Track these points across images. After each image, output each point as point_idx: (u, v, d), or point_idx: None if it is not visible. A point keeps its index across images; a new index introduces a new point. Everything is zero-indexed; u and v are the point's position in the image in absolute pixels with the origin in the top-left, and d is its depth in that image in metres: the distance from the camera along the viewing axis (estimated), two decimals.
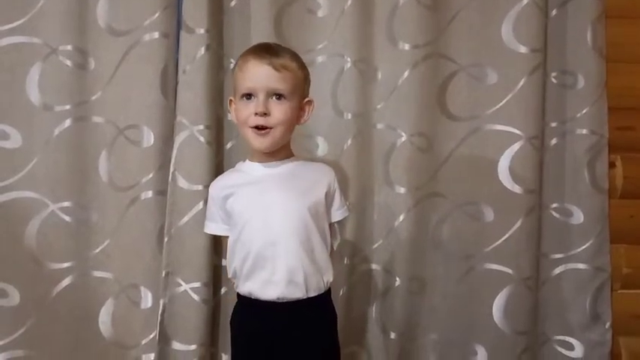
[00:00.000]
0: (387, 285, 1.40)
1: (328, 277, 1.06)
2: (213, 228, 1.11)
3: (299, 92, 1.04)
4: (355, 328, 1.40)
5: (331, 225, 1.10)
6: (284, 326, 1.02)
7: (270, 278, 1.01)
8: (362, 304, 1.41)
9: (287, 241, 1.00)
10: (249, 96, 1.00)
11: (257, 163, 1.06)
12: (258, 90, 1.00)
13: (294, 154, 1.09)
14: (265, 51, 1.03)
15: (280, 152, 1.06)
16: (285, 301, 1.01)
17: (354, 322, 1.40)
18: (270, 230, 1.01)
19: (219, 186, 1.09)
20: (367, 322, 1.41)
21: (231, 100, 1.08)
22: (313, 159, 1.34)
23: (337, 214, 1.11)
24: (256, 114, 0.99)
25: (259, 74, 1.00)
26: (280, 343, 1.02)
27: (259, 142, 1.01)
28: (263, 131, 1.00)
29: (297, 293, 1.01)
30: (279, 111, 1.00)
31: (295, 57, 1.05)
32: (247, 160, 1.09)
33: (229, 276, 1.10)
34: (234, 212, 1.04)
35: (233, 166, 1.30)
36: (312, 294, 1.03)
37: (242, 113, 1.01)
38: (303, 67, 1.05)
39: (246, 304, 1.05)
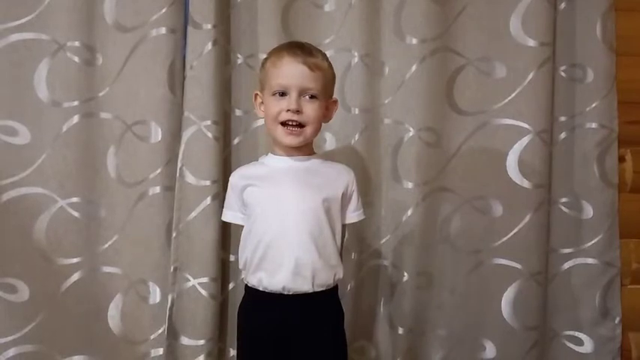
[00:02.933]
0: (395, 280, 1.39)
1: (337, 274, 1.07)
2: (230, 216, 1.13)
3: (328, 92, 1.08)
4: (363, 323, 1.40)
5: (344, 226, 1.11)
6: (290, 319, 1.02)
7: (278, 268, 1.02)
8: (370, 299, 1.40)
9: (298, 234, 1.02)
10: (281, 93, 1.03)
11: (279, 157, 1.09)
12: (292, 88, 1.02)
13: (315, 152, 1.12)
14: (300, 49, 1.05)
15: (303, 149, 1.08)
16: (291, 293, 1.01)
17: (362, 317, 1.40)
18: (283, 221, 1.02)
19: (240, 175, 1.11)
20: (375, 318, 1.41)
21: (257, 95, 1.10)
22: (330, 156, 1.34)
23: (352, 216, 1.12)
24: (288, 110, 1.02)
25: (294, 72, 1.02)
26: (285, 336, 1.03)
27: (290, 139, 1.04)
28: (295, 129, 1.03)
29: (304, 286, 1.02)
30: (311, 109, 1.04)
31: (326, 57, 1.09)
32: (270, 154, 1.11)
33: (240, 266, 1.11)
34: (250, 202, 1.07)
35: (240, 161, 1.32)
36: (319, 289, 1.03)
37: (273, 109, 1.03)
38: (332, 67, 1.09)
39: (254, 296, 1.06)
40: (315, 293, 1.03)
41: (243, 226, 1.10)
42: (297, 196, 1.03)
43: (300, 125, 1.03)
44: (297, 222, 1.02)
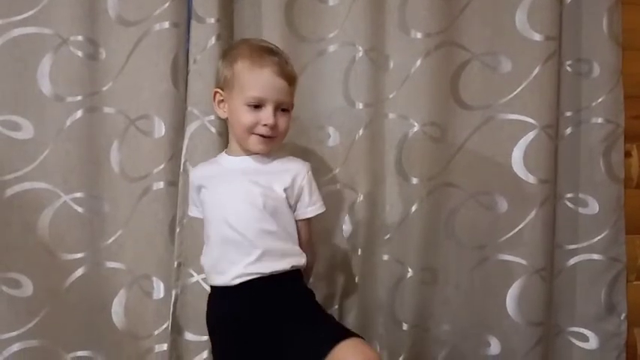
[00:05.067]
0: (400, 276, 1.39)
1: (294, 262, 1.05)
2: (194, 211, 1.17)
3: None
4: (367, 319, 1.39)
5: (301, 221, 1.10)
6: (249, 308, 1.02)
7: (231, 266, 1.02)
8: (374, 294, 1.40)
9: (244, 232, 1.02)
10: (257, 105, 1.02)
11: (233, 157, 1.10)
12: (269, 101, 1.02)
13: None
14: (277, 57, 1.05)
15: None
16: (244, 282, 1.01)
17: (366, 312, 1.39)
18: (227, 225, 1.04)
19: (196, 175, 1.15)
20: (379, 313, 1.40)
21: (217, 92, 1.09)
22: (327, 150, 1.35)
23: (307, 212, 1.10)
24: (265, 125, 1.02)
25: (273, 86, 1.02)
26: (249, 326, 1.02)
27: (261, 147, 1.05)
28: (269, 139, 1.04)
29: (257, 274, 1.01)
30: (283, 122, 1.05)
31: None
32: (224, 153, 1.13)
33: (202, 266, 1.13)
34: (202, 204, 1.11)
35: None
36: (271, 271, 1.02)
37: (246, 119, 1.03)
38: None
39: (214, 293, 1.09)
40: (271, 276, 1.02)
41: None
42: (236, 197, 1.05)
43: (272, 136, 1.04)
44: (242, 221, 1.03)
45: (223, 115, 1.10)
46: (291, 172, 1.09)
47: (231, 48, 1.13)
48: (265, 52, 1.05)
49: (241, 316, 1.03)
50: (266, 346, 1.02)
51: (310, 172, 1.11)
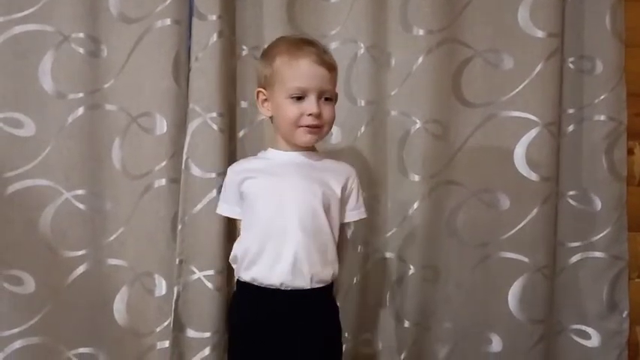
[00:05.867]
0: (401, 273, 1.39)
1: (334, 271, 1.06)
2: (225, 209, 1.13)
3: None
4: (369, 316, 1.39)
5: (343, 225, 1.10)
6: (285, 315, 1.01)
7: (275, 263, 1.01)
8: (376, 292, 1.40)
9: (296, 229, 1.01)
10: (300, 97, 1.01)
11: (279, 151, 1.08)
12: (312, 91, 1.01)
13: (317, 148, 1.11)
14: (315, 47, 1.04)
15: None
16: (288, 289, 1.00)
17: (368, 310, 1.39)
18: (281, 216, 1.01)
19: (238, 169, 1.11)
20: (381, 311, 1.40)
21: (259, 92, 1.07)
22: (333, 148, 1.34)
23: (351, 215, 1.11)
24: (310, 114, 1.00)
25: (314, 75, 1.01)
26: (280, 333, 1.01)
27: (309, 137, 1.03)
28: (315, 129, 1.02)
29: (302, 282, 1.01)
30: (328, 111, 1.03)
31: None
32: (269, 148, 1.11)
33: (230, 260, 1.11)
34: (248, 195, 1.06)
35: (245, 154, 1.31)
36: (316, 285, 1.02)
37: (291, 113, 1.01)
38: None
39: (248, 292, 1.05)
40: (311, 290, 1.01)
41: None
42: (296, 189, 1.02)
43: (318, 126, 1.02)
44: (296, 216, 1.01)
45: (268, 114, 1.08)
46: (344, 172, 1.09)
47: (268, 47, 1.11)
48: (302, 43, 1.05)
49: (273, 321, 1.02)
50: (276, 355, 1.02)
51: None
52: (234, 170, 1.11)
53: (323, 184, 1.04)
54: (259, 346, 1.03)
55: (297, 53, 1.01)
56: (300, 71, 1.00)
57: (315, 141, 1.05)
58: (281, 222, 1.01)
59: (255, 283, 1.03)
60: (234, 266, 1.10)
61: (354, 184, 1.10)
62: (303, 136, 1.03)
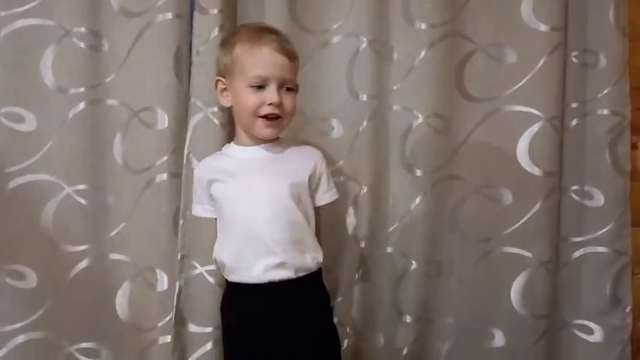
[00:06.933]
0: (403, 268, 1.38)
1: (317, 258, 1.06)
2: (199, 210, 1.13)
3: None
4: (371, 312, 1.39)
5: (318, 208, 1.10)
6: (276, 308, 1.01)
7: (256, 264, 1.01)
8: (377, 288, 1.39)
9: (270, 227, 1.01)
10: (260, 86, 1.00)
11: (243, 147, 1.07)
12: (272, 80, 1.00)
13: (280, 136, 1.10)
14: (275, 35, 1.02)
15: None
16: (274, 281, 1.00)
17: (370, 306, 1.39)
18: (253, 218, 1.01)
19: (205, 169, 1.10)
20: (383, 306, 1.39)
21: (219, 81, 1.07)
22: (330, 142, 1.34)
23: (324, 198, 1.11)
24: (270, 104, 0.99)
25: (274, 63, 0.99)
26: (273, 326, 1.01)
27: (269, 131, 1.02)
28: (275, 121, 1.01)
29: (286, 274, 1.01)
30: (289, 101, 1.02)
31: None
32: (232, 143, 1.10)
33: (213, 260, 1.11)
34: (218, 199, 1.06)
35: None
36: (301, 274, 1.02)
37: (250, 102, 1.00)
38: None
39: (237, 290, 1.05)
40: (297, 279, 1.02)
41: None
42: (264, 188, 1.02)
43: (278, 117, 1.01)
44: (269, 213, 1.01)
45: (227, 104, 1.08)
46: (310, 158, 1.08)
47: (228, 36, 1.11)
48: (263, 31, 1.04)
49: (266, 315, 1.02)
50: (273, 349, 1.02)
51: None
52: (201, 171, 1.11)
53: (290, 176, 1.04)
54: (254, 341, 1.03)
55: (258, 41, 1.00)
56: (261, 59, 0.99)
57: (275, 134, 1.05)
58: (254, 223, 1.01)
59: (243, 282, 1.03)
60: (218, 267, 1.10)
61: (322, 168, 1.09)
62: (263, 130, 1.02)
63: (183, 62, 1.29)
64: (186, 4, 1.29)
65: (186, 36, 1.30)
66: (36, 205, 1.27)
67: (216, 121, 1.27)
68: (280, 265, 1.00)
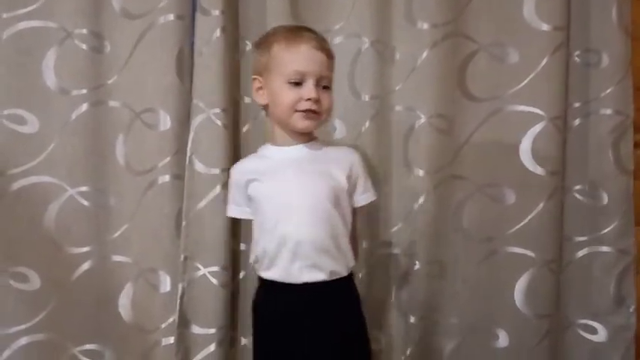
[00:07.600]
0: (407, 269, 1.38)
1: (350, 261, 1.06)
2: (236, 211, 1.12)
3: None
4: (375, 311, 1.38)
5: (355, 210, 1.09)
6: (309, 309, 1.01)
7: (292, 263, 1.00)
8: (381, 287, 1.39)
9: (308, 228, 1.00)
10: (297, 83, 0.99)
11: (279, 147, 1.06)
12: (310, 75, 0.99)
13: (316, 136, 1.09)
14: (314, 34, 1.03)
15: (305, 135, 1.06)
16: (310, 282, 1.00)
17: (374, 305, 1.38)
18: (292, 215, 1.01)
19: (241, 170, 1.10)
20: (386, 306, 1.39)
21: (255, 79, 1.06)
22: (336, 142, 1.33)
23: (361, 199, 1.10)
24: (308, 99, 0.99)
25: (313, 59, 1.00)
26: (305, 327, 1.01)
27: (307, 123, 1.01)
28: (313, 114, 1.00)
29: (320, 276, 1.00)
30: (326, 99, 1.02)
31: None
32: (268, 144, 1.09)
33: (250, 260, 1.10)
34: (256, 198, 1.05)
35: (249, 149, 1.31)
36: (335, 277, 1.02)
37: (288, 98, 1.00)
38: None
39: (271, 288, 1.04)
40: (331, 281, 1.01)
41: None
42: (303, 188, 1.01)
43: (316, 112, 1.01)
44: (307, 214, 1.00)
45: (263, 102, 1.06)
46: (347, 159, 1.08)
47: (264, 36, 1.09)
48: (300, 30, 1.04)
49: (298, 316, 1.01)
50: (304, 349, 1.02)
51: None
52: (238, 172, 1.10)
53: (328, 177, 1.03)
54: (285, 339, 1.03)
55: (295, 39, 1.00)
56: (299, 55, 0.99)
57: (313, 127, 1.03)
58: (291, 223, 1.00)
59: (277, 281, 1.03)
60: (255, 266, 1.09)
61: (359, 169, 1.08)
62: (301, 122, 1.01)
63: (185, 64, 1.29)
64: (188, 6, 1.29)
65: (188, 37, 1.30)
66: (39, 207, 1.27)
67: (219, 123, 1.27)
68: (316, 267, 1.00)
